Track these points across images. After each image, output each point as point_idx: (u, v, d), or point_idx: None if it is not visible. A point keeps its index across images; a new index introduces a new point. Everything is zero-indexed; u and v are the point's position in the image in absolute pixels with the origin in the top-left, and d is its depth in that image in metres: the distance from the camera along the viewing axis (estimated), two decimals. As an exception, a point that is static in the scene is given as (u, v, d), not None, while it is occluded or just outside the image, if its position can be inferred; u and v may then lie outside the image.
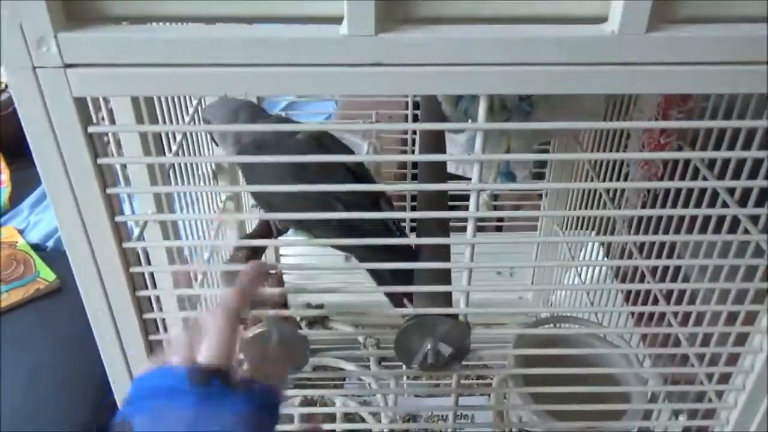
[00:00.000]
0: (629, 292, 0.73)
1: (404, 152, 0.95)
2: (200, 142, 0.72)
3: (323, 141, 0.54)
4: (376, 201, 0.56)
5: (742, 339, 0.51)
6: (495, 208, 1.32)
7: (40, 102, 0.34)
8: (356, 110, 0.99)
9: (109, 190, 0.37)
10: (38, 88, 0.33)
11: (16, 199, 1.20)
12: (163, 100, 0.56)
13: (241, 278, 0.37)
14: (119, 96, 0.40)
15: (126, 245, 0.39)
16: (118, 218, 0.38)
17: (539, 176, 0.98)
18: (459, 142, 0.84)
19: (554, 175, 0.92)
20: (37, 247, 1.10)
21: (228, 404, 0.31)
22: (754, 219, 0.49)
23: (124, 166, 0.46)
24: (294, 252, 0.94)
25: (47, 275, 1.03)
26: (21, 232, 1.14)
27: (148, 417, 0.30)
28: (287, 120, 0.59)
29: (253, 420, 0.31)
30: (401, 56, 0.34)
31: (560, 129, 0.75)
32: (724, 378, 0.53)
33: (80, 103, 0.34)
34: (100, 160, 0.36)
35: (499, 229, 1.24)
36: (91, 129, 0.35)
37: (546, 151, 0.93)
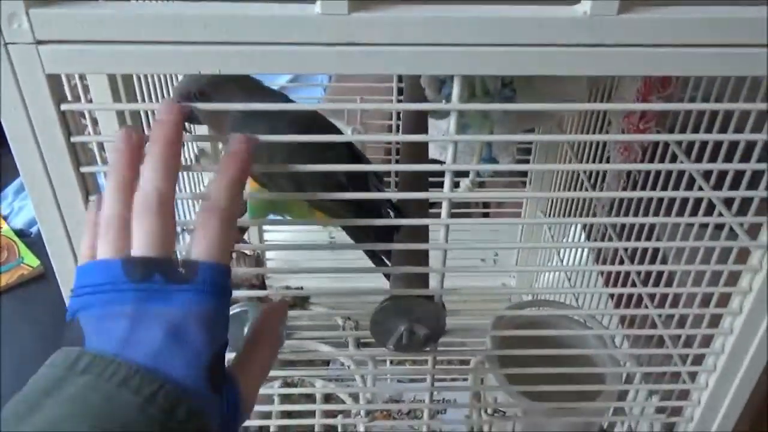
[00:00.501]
0: (609, 276, 0.74)
1: (388, 141, 0.96)
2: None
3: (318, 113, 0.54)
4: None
5: (716, 321, 0.52)
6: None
7: (12, 79, 0.34)
8: (343, 97, 1.00)
9: (83, 169, 0.37)
10: (10, 65, 0.33)
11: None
12: (142, 78, 0.55)
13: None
14: (93, 73, 0.40)
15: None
16: (93, 198, 0.38)
17: (524, 172, 0.99)
18: (442, 129, 0.84)
19: (538, 161, 0.93)
20: (21, 233, 1.10)
21: (172, 300, 0.28)
22: (729, 203, 0.49)
23: (102, 149, 0.46)
24: (279, 237, 0.94)
25: (31, 261, 1.02)
26: (5, 218, 1.14)
27: (92, 318, 0.28)
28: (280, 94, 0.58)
29: (202, 313, 0.29)
30: (375, 36, 0.34)
31: (542, 115, 0.75)
32: (700, 360, 0.54)
33: (53, 80, 0.34)
34: (73, 138, 0.36)
35: (485, 217, 1.25)
36: (64, 106, 0.35)
37: (529, 150, 0.94)
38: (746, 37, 0.35)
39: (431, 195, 0.43)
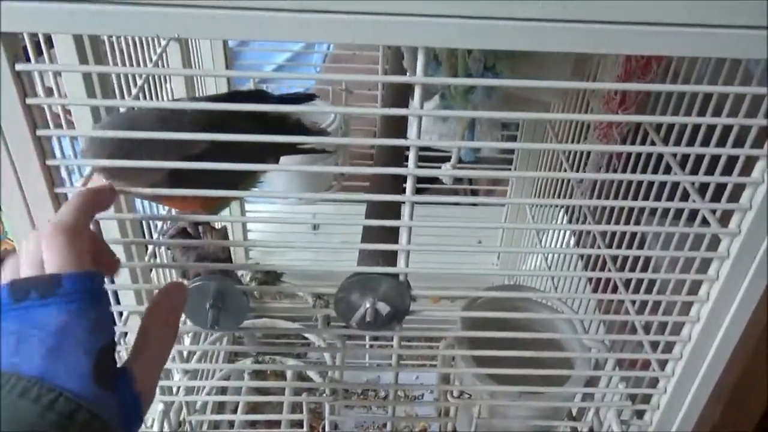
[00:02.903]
0: (587, 263, 0.74)
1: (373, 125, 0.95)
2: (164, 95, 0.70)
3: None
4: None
5: (688, 309, 0.51)
6: (470, 181, 1.32)
7: (-36, 37, 0.33)
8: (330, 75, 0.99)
9: (39, 132, 0.37)
10: (-38, 22, 0.33)
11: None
12: (115, 40, 0.53)
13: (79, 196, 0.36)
14: (50, 33, 0.39)
15: (58, 190, 0.39)
16: (50, 162, 0.38)
17: (508, 160, 0.98)
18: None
19: (522, 152, 0.93)
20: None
21: (47, 313, 0.30)
22: (703, 191, 0.49)
23: (68, 113, 0.45)
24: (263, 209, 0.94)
25: (14, 235, 1.02)
26: (-10, 191, 1.13)
27: None
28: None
29: (76, 318, 0.31)
30: (336, 3, 0.34)
31: (526, 103, 0.75)
32: (671, 348, 0.53)
33: (8, 39, 0.34)
34: (29, 100, 0.36)
35: (474, 205, 1.25)
36: (19, 66, 0.35)
37: (513, 137, 0.93)
38: (732, 18, 0.35)
39: (395, 170, 0.42)
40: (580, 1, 0.34)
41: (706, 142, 0.51)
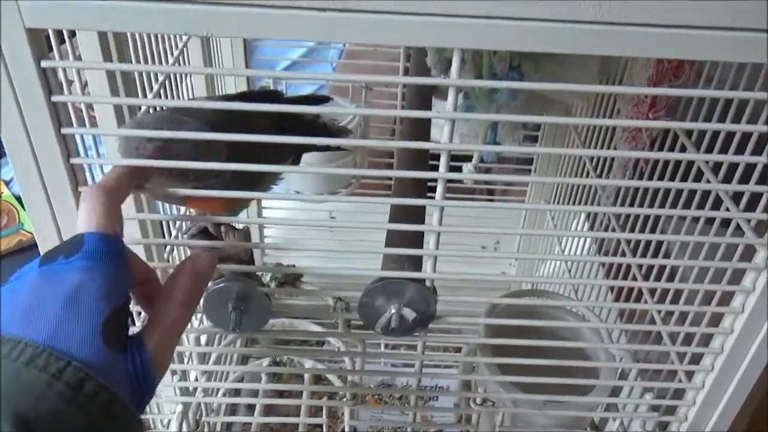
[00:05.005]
0: (610, 269, 0.72)
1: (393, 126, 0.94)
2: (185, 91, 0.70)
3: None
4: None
5: (717, 320, 0.50)
6: (486, 181, 1.31)
7: (-10, 33, 0.32)
8: (353, 75, 0.98)
9: (64, 130, 0.36)
10: (-12, 18, 0.32)
11: (3, 150, 1.19)
12: (137, 37, 0.53)
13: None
14: (76, 29, 0.38)
15: (82, 189, 0.38)
16: (74, 160, 0.37)
17: (528, 159, 0.97)
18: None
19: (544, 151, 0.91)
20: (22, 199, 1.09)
21: (68, 272, 0.30)
22: (737, 198, 0.48)
23: (90, 108, 0.44)
24: (277, 213, 0.93)
25: (31, 227, 1.02)
26: (7, 183, 1.13)
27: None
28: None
29: (93, 276, 0.30)
30: (370, 3, 0.33)
31: (550, 103, 0.73)
32: (698, 359, 0.52)
33: (33, 35, 0.33)
34: (54, 98, 0.35)
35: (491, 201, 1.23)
36: (44, 63, 0.34)
37: (534, 137, 0.92)
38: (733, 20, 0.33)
39: (425, 174, 0.41)
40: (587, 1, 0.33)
41: (741, 147, 0.49)
